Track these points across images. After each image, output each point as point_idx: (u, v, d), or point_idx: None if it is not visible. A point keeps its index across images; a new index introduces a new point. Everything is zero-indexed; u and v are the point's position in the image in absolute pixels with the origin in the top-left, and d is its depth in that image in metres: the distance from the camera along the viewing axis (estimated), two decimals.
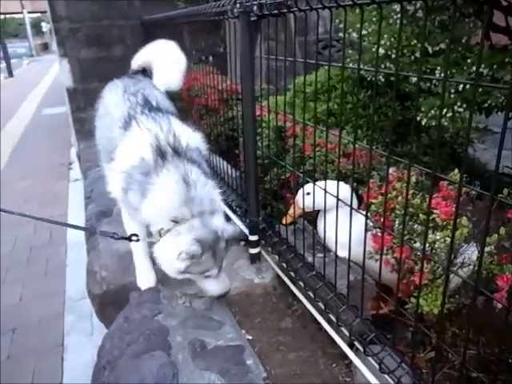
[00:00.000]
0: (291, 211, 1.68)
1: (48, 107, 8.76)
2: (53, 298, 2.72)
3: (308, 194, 1.51)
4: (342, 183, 1.41)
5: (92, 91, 4.42)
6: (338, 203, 1.29)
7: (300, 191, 1.58)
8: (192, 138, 1.54)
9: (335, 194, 1.31)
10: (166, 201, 1.37)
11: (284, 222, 1.72)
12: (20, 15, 31.91)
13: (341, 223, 1.30)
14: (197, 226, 1.36)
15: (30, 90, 11.36)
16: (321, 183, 1.42)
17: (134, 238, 1.54)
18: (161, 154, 1.40)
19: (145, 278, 1.78)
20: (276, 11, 1.50)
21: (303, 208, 1.56)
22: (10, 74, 14.83)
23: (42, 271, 3.04)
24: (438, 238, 1.14)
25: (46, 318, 2.56)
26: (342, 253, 1.34)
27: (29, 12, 30.78)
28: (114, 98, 1.70)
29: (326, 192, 1.36)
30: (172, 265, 1.40)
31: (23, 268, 3.08)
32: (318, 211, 1.64)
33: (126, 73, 2.01)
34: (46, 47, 30.89)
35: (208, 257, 1.39)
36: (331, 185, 1.38)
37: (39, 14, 34.67)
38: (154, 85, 1.89)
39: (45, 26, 32.32)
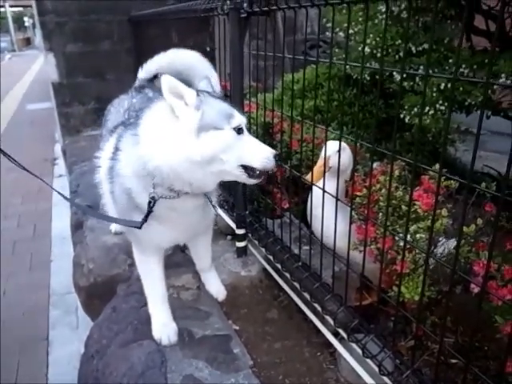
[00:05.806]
0: (319, 168, 1.48)
1: (31, 102, 8.62)
2: (37, 292, 2.71)
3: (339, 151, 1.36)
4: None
5: (78, 86, 4.41)
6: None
7: (333, 147, 1.44)
8: None
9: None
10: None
11: (313, 178, 1.49)
12: (2, 9, 31.27)
13: (328, 213, 1.35)
14: None
15: (12, 84, 11.16)
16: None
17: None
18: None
19: (166, 328, 1.46)
20: (266, 8, 1.53)
21: (338, 165, 1.37)
22: None
23: (26, 265, 3.02)
24: (419, 227, 1.18)
25: (31, 311, 2.55)
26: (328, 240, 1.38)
27: (11, 6, 30.21)
28: None
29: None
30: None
31: (7, 261, 3.05)
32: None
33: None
34: (28, 42, 30.36)
35: None
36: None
37: (21, 9, 34.02)
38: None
39: (27, 21, 31.77)
